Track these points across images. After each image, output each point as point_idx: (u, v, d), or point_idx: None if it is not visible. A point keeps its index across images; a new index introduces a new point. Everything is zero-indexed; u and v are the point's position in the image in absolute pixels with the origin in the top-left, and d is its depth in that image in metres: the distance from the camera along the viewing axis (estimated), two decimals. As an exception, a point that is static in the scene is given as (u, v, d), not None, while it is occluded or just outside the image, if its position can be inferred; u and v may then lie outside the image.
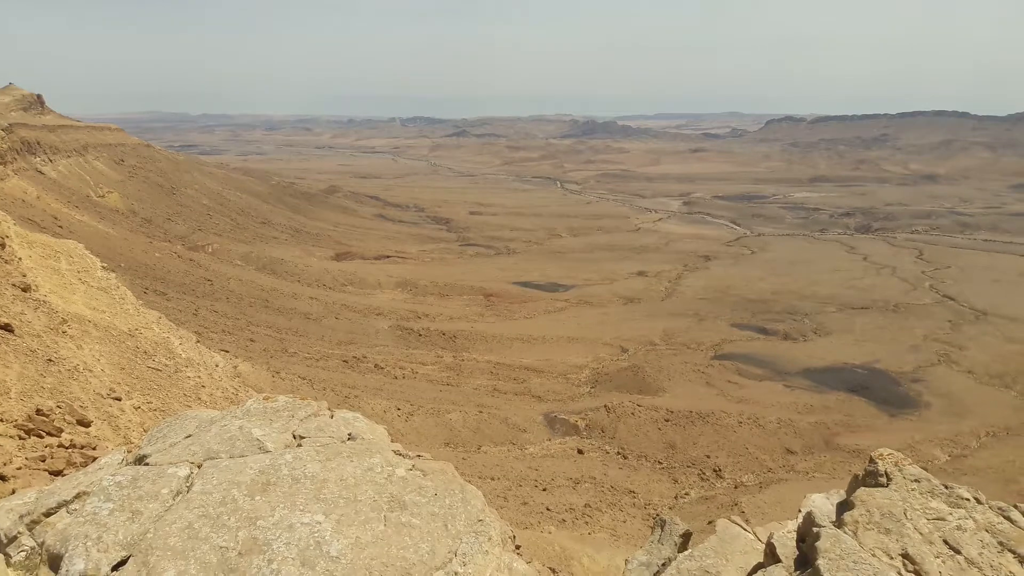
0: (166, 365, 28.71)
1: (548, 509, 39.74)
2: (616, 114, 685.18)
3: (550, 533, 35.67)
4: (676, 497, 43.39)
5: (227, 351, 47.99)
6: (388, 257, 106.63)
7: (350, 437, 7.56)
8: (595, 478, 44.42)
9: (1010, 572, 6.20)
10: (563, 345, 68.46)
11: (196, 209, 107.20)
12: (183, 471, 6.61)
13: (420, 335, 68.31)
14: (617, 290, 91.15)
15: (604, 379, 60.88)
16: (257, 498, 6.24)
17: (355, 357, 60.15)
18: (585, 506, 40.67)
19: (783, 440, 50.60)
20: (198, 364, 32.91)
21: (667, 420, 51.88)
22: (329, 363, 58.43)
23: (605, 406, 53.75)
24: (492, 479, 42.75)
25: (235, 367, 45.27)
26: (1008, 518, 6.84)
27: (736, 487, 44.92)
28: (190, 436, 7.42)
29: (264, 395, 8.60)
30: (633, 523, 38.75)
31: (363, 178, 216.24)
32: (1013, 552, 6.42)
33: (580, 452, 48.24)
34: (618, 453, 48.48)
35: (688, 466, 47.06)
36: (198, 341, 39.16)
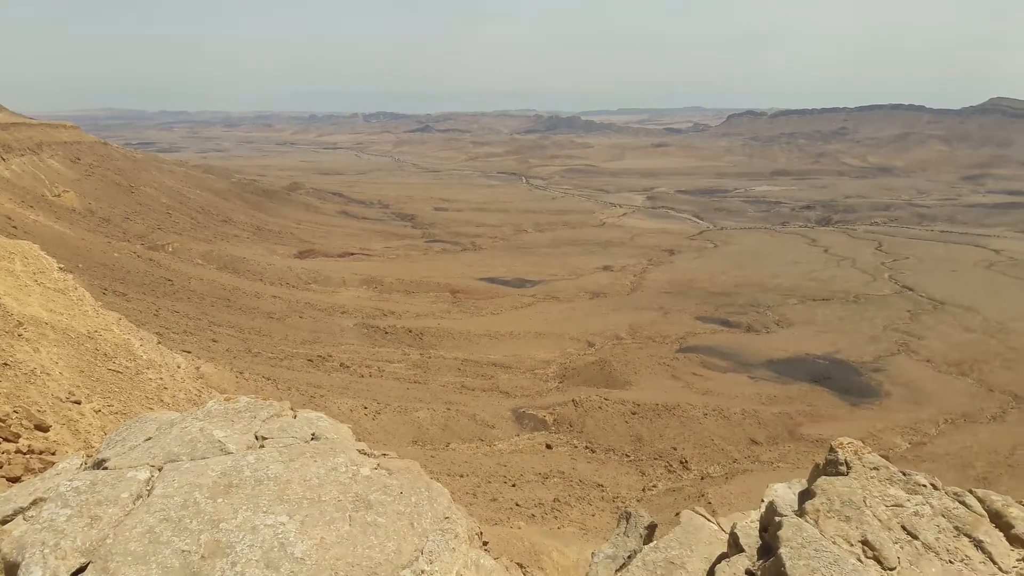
0: (127, 367, 28.12)
1: (517, 505, 39.77)
2: (580, 109, 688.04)
3: (519, 529, 35.69)
4: (644, 489, 43.73)
5: (189, 352, 47.18)
6: (352, 254, 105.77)
7: (314, 437, 7.46)
8: (564, 472, 44.58)
9: (966, 556, 6.34)
10: (530, 340, 68.56)
11: (155, 208, 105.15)
12: (143, 474, 6.48)
13: (386, 333, 67.89)
14: (583, 285, 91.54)
15: (572, 374, 61.10)
16: (219, 500, 6.14)
17: (320, 356, 59.55)
18: (554, 501, 40.79)
19: (748, 431, 51.27)
20: (160, 365, 32.31)
21: (634, 413, 52.24)
22: (293, 362, 57.77)
23: (573, 400, 53.94)
24: (461, 476, 42.67)
25: (198, 368, 44.53)
26: (963, 503, 7.00)
27: (703, 478, 45.41)
28: (150, 439, 7.28)
29: (225, 396, 8.45)
30: (602, 516, 38.98)
31: (326, 174, 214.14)
32: (968, 536, 6.57)
33: (548, 447, 48.37)
34: (586, 447, 48.70)
35: (655, 458, 47.44)
36: (159, 342, 38.45)
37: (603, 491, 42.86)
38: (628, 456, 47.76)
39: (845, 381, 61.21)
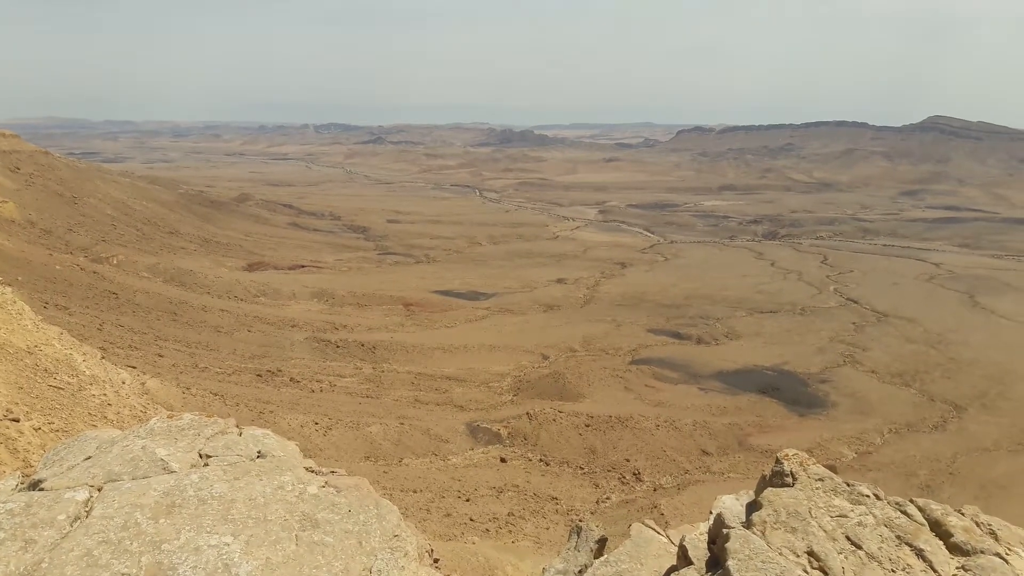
0: (69, 383, 27.25)
1: (472, 520, 39.52)
2: (533, 123, 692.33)
3: (474, 544, 35.47)
4: (597, 502, 43.87)
5: (134, 367, 45.95)
6: (303, 267, 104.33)
7: (260, 455, 7.29)
8: (518, 486, 44.47)
9: (907, 564, 6.48)
10: (485, 353, 68.41)
11: (99, 219, 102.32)
12: (81, 495, 6.25)
13: (337, 347, 67.03)
14: (537, 297, 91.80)
15: (526, 386, 61.10)
16: (161, 521, 5.95)
17: (269, 371, 58.48)
18: (508, 515, 40.65)
19: (699, 442, 51.88)
20: (103, 381, 31.39)
21: (588, 425, 52.44)
22: (242, 378, 56.61)
23: (527, 413, 53.92)
24: (414, 491, 42.25)
25: (143, 384, 43.40)
26: (905, 512, 7.16)
27: (655, 489, 45.76)
28: (90, 458, 7.04)
29: (169, 413, 8.22)
30: (556, 529, 38.96)
31: (276, 186, 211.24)
32: (910, 545, 6.72)
33: (503, 460, 48.21)
34: (540, 460, 48.68)
35: (609, 470, 47.66)
36: (103, 357, 37.38)
37: (557, 504, 42.87)
38: (582, 468, 47.88)
39: (793, 392, 62.40)
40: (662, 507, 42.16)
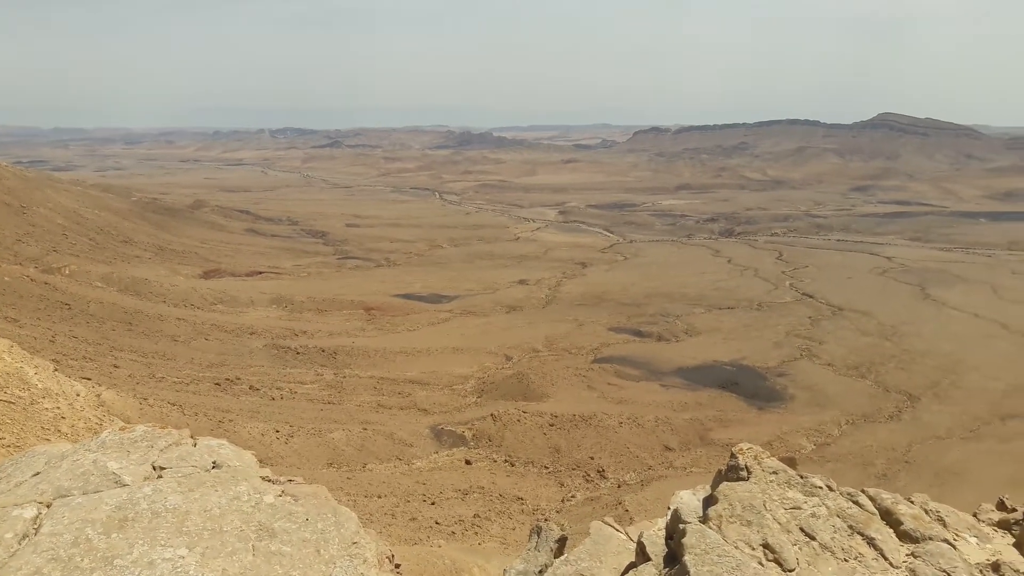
0: (20, 397, 26.48)
1: (437, 523, 39.39)
2: (491, 125, 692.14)
3: (440, 547, 35.34)
4: (563, 500, 44.05)
5: (89, 379, 44.88)
6: (261, 273, 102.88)
7: (215, 465, 7.16)
8: (483, 488, 44.44)
9: (859, 553, 6.63)
10: (448, 356, 68.21)
11: (50, 229, 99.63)
12: (29, 512, 6.08)
13: (298, 353, 66.27)
14: (499, 299, 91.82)
15: (490, 388, 61.09)
16: (114, 536, 5.81)
17: (228, 379, 57.59)
18: (474, 517, 40.61)
19: (661, 438, 52.39)
20: (57, 394, 30.55)
21: (552, 425, 52.63)
22: (200, 387, 55.67)
23: (491, 415, 53.91)
24: (379, 497, 41.97)
25: (98, 395, 42.42)
26: (856, 503, 7.33)
27: (619, 486, 46.10)
28: (38, 474, 6.85)
29: (121, 425, 8.03)
30: (522, 530, 38.99)
31: (232, 192, 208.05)
32: (862, 534, 6.87)
33: (468, 463, 48.13)
34: (505, 461, 48.72)
35: (573, 469, 47.89)
36: (56, 369, 36.34)
37: (523, 504, 42.94)
38: (547, 468, 48.04)
39: (752, 386, 63.35)
40: (626, 503, 42.47)
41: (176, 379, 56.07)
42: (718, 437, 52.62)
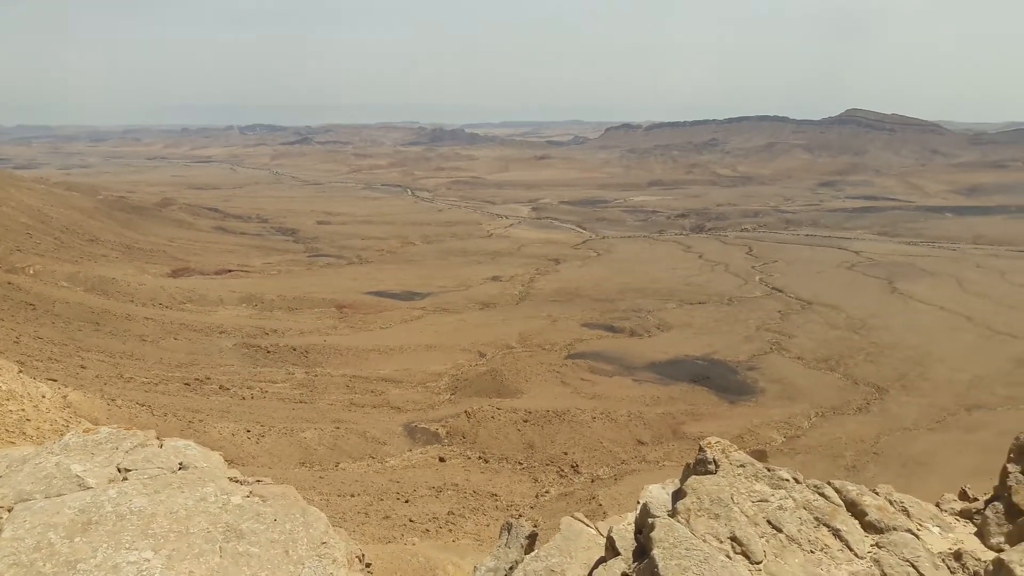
0: (-20, 400, 25.90)
1: (411, 520, 39.26)
2: (463, 122, 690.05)
3: (414, 545, 35.24)
4: (537, 496, 44.14)
5: (55, 380, 44.02)
6: (230, 271, 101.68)
7: (181, 466, 7.05)
8: (457, 484, 44.40)
9: (825, 545, 6.71)
10: (421, 353, 67.98)
11: (13, 228, 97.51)
12: (-11, 517, 5.91)
13: (268, 352, 65.63)
14: (473, 296, 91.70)
15: (463, 385, 61.02)
16: (77, 539, 5.69)
17: (198, 379, 56.93)
18: (448, 514, 40.54)
19: (634, 432, 52.70)
20: (21, 396, 29.95)
21: (526, 421, 52.71)
22: (169, 387, 54.98)
23: (465, 412, 53.87)
24: (352, 495, 41.73)
25: (65, 397, 41.66)
26: (822, 495, 7.42)
27: (593, 481, 46.30)
28: (0, 477, 6.68)
29: (85, 427, 7.87)
30: (497, 526, 38.91)
31: (200, 189, 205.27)
32: (827, 526, 6.96)
33: (442, 460, 48.06)
34: (479, 457, 48.72)
35: (547, 464, 48.01)
36: (21, 371, 35.63)
37: (497, 500, 42.96)
38: (521, 464, 48.11)
39: (723, 380, 63.95)
40: (600, 498, 42.66)
41: (145, 379, 55.31)
42: (690, 431, 53.05)
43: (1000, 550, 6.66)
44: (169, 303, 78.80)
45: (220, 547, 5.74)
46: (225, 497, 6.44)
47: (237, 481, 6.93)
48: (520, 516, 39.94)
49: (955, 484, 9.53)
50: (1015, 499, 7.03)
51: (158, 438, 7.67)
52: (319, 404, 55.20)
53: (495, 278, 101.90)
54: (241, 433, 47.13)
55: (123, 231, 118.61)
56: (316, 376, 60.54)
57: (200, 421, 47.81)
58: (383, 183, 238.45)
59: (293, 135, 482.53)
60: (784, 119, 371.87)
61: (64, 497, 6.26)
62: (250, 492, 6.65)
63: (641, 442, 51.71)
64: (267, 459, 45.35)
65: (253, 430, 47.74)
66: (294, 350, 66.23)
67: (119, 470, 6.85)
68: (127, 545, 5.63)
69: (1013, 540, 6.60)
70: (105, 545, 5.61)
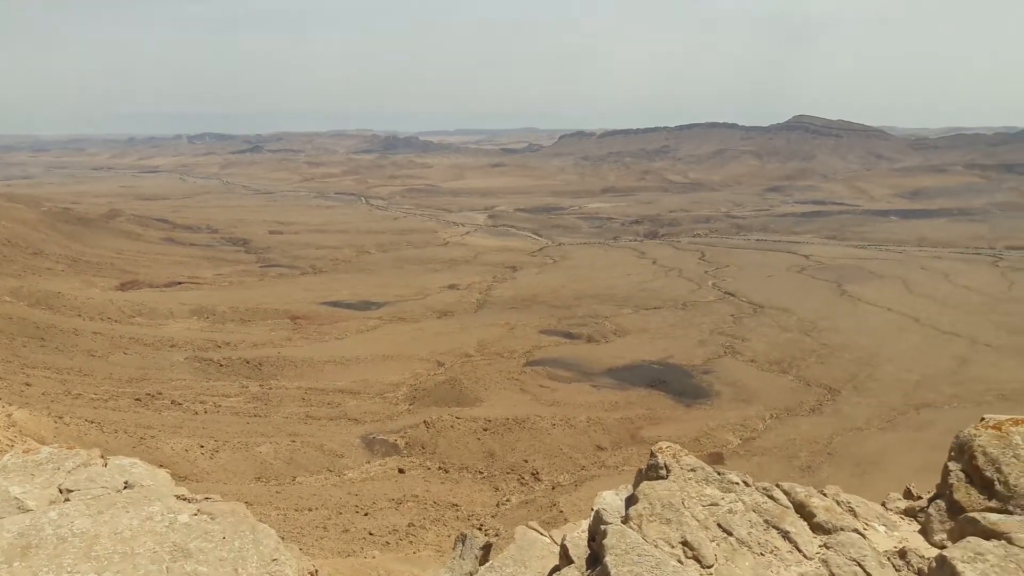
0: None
1: (371, 533, 38.83)
2: (417, 129, 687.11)
3: (374, 558, 34.85)
4: (498, 504, 44.01)
5: (-4, 399, 42.62)
6: (180, 283, 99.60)
7: (127, 486, 6.81)
8: (417, 496, 44.05)
9: (775, 547, 6.78)
10: (378, 364, 67.36)
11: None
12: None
13: (221, 365, 64.38)
14: (430, 304, 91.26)
15: (422, 395, 60.62)
16: (16, 564, 5.44)
17: (149, 394, 55.60)
18: (409, 525, 40.19)
19: (593, 438, 52.94)
20: (-43, 417, 28.90)
21: (485, 429, 52.56)
22: (120, 403, 53.63)
23: (424, 422, 53.49)
24: (310, 510, 41.12)
25: (9, 416, 40.52)
26: (772, 497, 7.51)
27: (553, 488, 46.34)
28: (-68, 503, 6.36)
29: (25, 447, 7.57)
30: (457, 536, 38.76)
31: (148, 200, 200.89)
32: (777, 528, 7.05)
33: (401, 471, 47.66)
34: (439, 468, 48.43)
35: (508, 472, 47.94)
36: (-43, 391, 34.44)
37: (458, 511, 42.73)
38: (481, 473, 47.95)
39: (679, 384, 64.66)
40: (561, 504, 42.69)
41: (94, 395, 53.91)
42: (648, 435, 53.43)
43: (943, 547, 6.78)
44: (118, 317, 76.86)
45: (167, 567, 5.54)
46: (172, 516, 6.23)
47: (185, 499, 6.71)
48: (482, 526, 39.77)
49: (906, 482, 9.73)
50: (956, 496, 7.17)
51: (102, 457, 7.41)
52: (274, 418, 54.31)
53: (452, 286, 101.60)
54: (195, 449, 46.14)
55: (68, 243, 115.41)
56: (270, 389, 59.58)
57: (152, 437, 46.70)
58: (336, 192, 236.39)
59: (243, 144, 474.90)
60: (733, 126, 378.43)
61: (2, 521, 6.00)
62: (198, 510, 6.44)
63: (600, 448, 51.96)
64: (222, 475, 44.46)
65: (207, 445, 46.78)
66: (247, 363, 65.10)
67: (60, 491, 6.59)
68: (69, 569, 5.40)
69: (955, 537, 6.73)
70: (45, 569, 5.38)
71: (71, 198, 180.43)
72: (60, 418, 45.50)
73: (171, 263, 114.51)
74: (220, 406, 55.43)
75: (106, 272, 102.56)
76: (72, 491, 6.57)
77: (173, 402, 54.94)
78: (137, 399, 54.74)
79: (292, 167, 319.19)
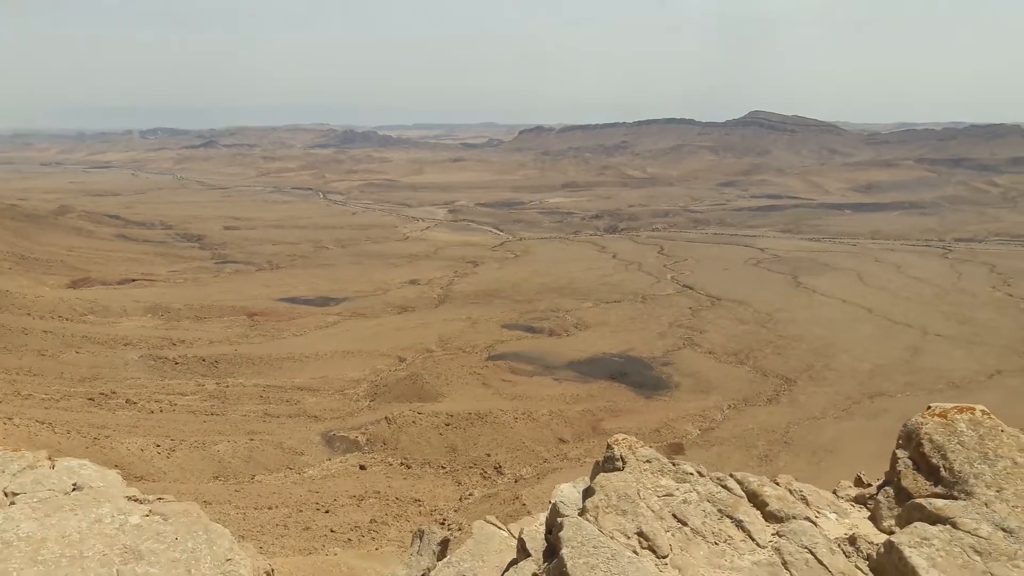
0: None
1: (332, 531, 38.51)
2: (375, 124, 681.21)
3: (336, 555, 34.57)
4: (460, 499, 43.98)
5: (-61, 402, 41.27)
6: (134, 281, 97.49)
7: (75, 487, 6.63)
8: (379, 492, 43.80)
9: (728, 536, 6.90)
10: (338, 360, 66.73)
11: None
12: None
13: (176, 363, 63.18)
14: (391, 300, 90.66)
15: (383, 391, 60.23)
16: (-42, 573, 5.25)
17: (102, 393, 54.38)
18: (371, 522, 39.95)
19: (555, 430, 53.17)
20: None
21: (448, 424, 52.43)
22: (72, 403, 52.36)
23: (386, 418, 53.16)
24: (270, 508, 40.61)
25: (-49, 419, 39.17)
26: (725, 487, 7.63)
27: (516, 481, 46.45)
28: None
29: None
30: (419, 532, 38.62)
31: (99, 196, 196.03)
32: (730, 517, 7.17)
33: (362, 468, 47.34)
34: (401, 463, 48.21)
35: (470, 467, 47.91)
36: None
37: (420, 506, 42.60)
38: (444, 467, 47.86)
39: (639, 376, 65.25)
40: (523, 498, 42.80)
41: (45, 396, 52.57)
42: (610, 427, 53.83)
43: (891, 533, 6.96)
44: (69, 315, 74.93)
45: (117, 570, 5.41)
46: (123, 517, 6.08)
47: (136, 500, 6.56)
48: (444, 521, 39.74)
49: (861, 469, 9.96)
50: (904, 483, 7.36)
51: (50, 458, 7.20)
52: (232, 416, 53.52)
53: (413, 281, 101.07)
54: (151, 448, 45.27)
55: (16, 240, 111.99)
56: (228, 387, 58.68)
57: (106, 437, 45.72)
58: (293, 186, 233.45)
59: (197, 138, 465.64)
60: (691, 121, 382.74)
61: (-57, 526, 5.79)
62: (150, 511, 6.30)
63: (563, 440, 52.21)
64: (179, 474, 43.71)
65: (163, 445, 45.94)
66: (203, 360, 64.00)
67: (5, 494, 6.39)
68: (14, 574, 5.24)
69: (902, 523, 6.90)
70: (-11, 576, 5.21)
71: (18, 194, 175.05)
72: (9, 419, 44.29)
73: (124, 260, 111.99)
74: (176, 405, 54.46)
75: (56, 270, 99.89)
76: (18, 494, 6.37)
77: (128, 401, 53.82)
78: (90, 399, 53.53)
79: (248, 162, 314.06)
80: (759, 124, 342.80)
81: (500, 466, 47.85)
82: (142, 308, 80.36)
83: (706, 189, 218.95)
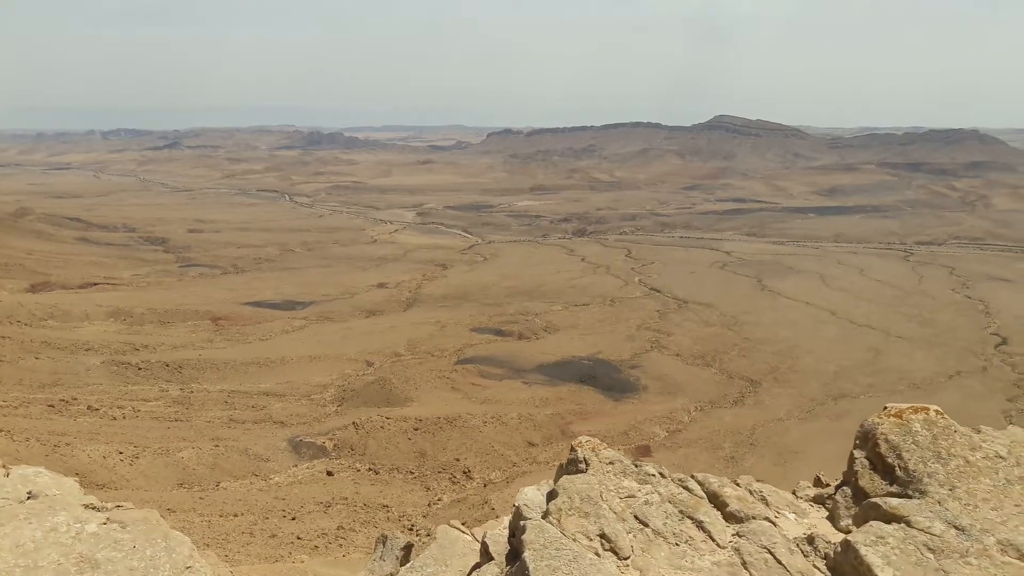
0: None
1: (299, 538, 38.07)
2: (342, 125, 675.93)
3: (302, 563, 34.25)
4: (429, 504, 43.80)
5: None
6: (96, 284, 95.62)
7: (30, 496, 6.48)
8: (347, 498, 43.43)
9: (689, 537, 6.98)
10: (305, 365, 66.09)
11: None
12: None
13: (139, 369, 62.08)
14: (359, 303, 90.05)
15: (351, 395, 59.76)
16: (-93, 586, 5.10)
17: (63, 400, 53.21)
18: (338, 529, 39.59)
19: (525, 434, 53.21)
20: None
21: (416, 429, 52.19)
22: (31, 409, 51.17)
23: (353, 423, 52.74)
24: (235, 515, 40.02)
25: (-98, 428, 38.09)
26: (686, 488, 7.73)
27: (485, 485, 46.40)
28: None
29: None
30: (388, 537, 38.35)
31: (60, 198, 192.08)
32: (691, 518, 7.26)
33: (329, 474, 46.89)
34: (369, 469, 47.85)
35: (439, 472, 47.72)
36: None
37: (389, 512, 42.33)
38: (412, 473, 47.61)
39: (608, 379, 65.59)
40: (492, 502, 42.78)
41: (3, 403, 51.39)
42: (578, 430, 53.92)
43: (848, 532, 7.10)
44: (28, 320, 73.24)
45: (73, 580, 5.31)
46: (79, 526, 5.95)
47: (94, 508, 6.43)
48: (412, 527, 39.54)
49: (825, 469, 10.11)
50: (861, 483, 7.50)
51: (3, 466, 7.03)
52: (196, 422, 52.72)
53: (381, 285, 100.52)
54: (113, 455, 44.42)
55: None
56: (192, 392, 57.81)
57: (67, 445, 44.75)
58: (259, 189, 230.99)
59: (160, 140, 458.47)
60: (657, 125, 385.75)
61: None
62: (108, 519, 6.17)
63: (532, 444, 52.26)
64: (142, 481, 42.97)
65: (126, 452, 45.09)
66: (167, 366, 62.98)
67: (-43, 504, 6.23)
68: (-34, 586, 5.11)
69: (859, 522, 7.04)
70: (-60, 588, 5.07)
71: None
72: (-36, 428, 43.17)
73: (86, 263, 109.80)
74: (139, 411, 53.50)
75: (15, 273, 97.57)
76: (-30, 504, 6.22)
77: (89, 407, 52.74)
78: (50, 405, 52.37)
79: (212, 164, 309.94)
80: (724, 128, 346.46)
81: (469, 471, 47.75)
82: (104, 312, 78.82)
83: (672, 193, 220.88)
